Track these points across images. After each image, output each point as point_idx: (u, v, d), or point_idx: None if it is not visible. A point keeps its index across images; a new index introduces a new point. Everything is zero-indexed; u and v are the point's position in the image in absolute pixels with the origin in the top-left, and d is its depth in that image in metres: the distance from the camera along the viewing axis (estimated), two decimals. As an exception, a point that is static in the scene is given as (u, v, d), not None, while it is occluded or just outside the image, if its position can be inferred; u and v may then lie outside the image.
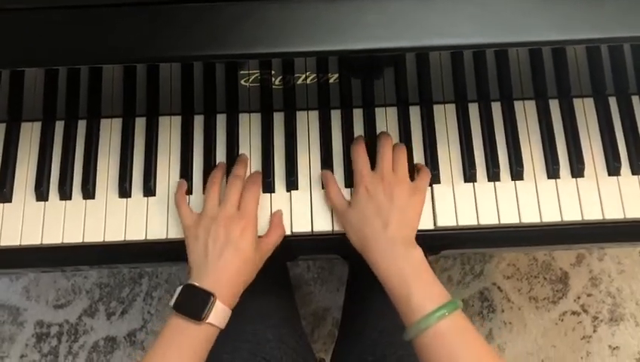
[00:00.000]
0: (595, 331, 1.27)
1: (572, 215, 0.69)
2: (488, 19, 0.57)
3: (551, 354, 1.26)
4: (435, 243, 0.70)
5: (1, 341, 1.29)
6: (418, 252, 0.63)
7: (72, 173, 0.72)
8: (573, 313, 1.28)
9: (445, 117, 0.74)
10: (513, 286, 1.30)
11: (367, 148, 0.70)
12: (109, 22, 0.57)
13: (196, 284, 0.62)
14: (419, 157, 0.72)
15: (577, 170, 0.71)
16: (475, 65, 0.71)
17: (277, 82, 0.71)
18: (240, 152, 0.73)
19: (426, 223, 0.69)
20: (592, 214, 0.69)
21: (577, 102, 0.74)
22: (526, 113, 0.74)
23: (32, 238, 0.70)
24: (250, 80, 0.70)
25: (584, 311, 1.28)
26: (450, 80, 0.72)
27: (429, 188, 0.70)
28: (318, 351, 1.26)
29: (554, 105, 0.74)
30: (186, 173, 0.72)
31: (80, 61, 0.61)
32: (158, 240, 0.70)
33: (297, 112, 0.74)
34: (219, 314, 0.61)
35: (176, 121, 0.74)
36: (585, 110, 0.74)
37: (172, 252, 0.70)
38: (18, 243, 0.70)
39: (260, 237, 0.67)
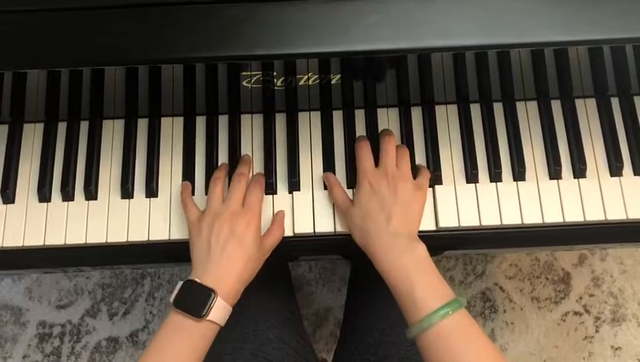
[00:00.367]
0: (597, 331, 1.27)
1: (574, 216, 0.69)
2: (490, 21, 0.57)
3: (553, 354, 1.26)
4: (438, 243, 0.70)
5: (4, 341, 1.29)
6: (422, 247, 0.62)
7: (75, 174, 0.72)
8: (576, 313, 1.28)
9: (447, 118, 0.74)
10: (515, 286, 1.30)
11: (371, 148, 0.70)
12: (112, 23, 0.57)
13: (197, 280, 0.61)
14: (421, 158, 0.72)
15: (579, 171, 0.71)
16: (476, 66, 0.71)
17: (279, 83, 0.71)
18: (242, 153, 0.73)
19: (428, 224, 0.69)
20: (594, 215, 0.69)
21: (579, 103, 0.74)
22: (528, 114, 0.74)
23: (34, 239, 0.70)
24: (253, 81, 0.70)
25: (586, 311, 1.28)
26: (452, 81, 0.72)
27: (431, 189, 0.70)
28: (320, 351, 1.27)
29: (556, 106, 0.74)
30: (188, 174, 0.72)
31: (82, 63, 0.61)
32: (161, 241, 0.70)
33: (299, 113, 0.74)
34: (220, 311, 0.61)
35: (179, 122, 0.74)
36: (587, 111, 0.74)
37: (174, 253, 0.71)
38: (21, 244, 0.70)
39: (261, 237, 0.67)
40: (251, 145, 0.73)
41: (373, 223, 0.63)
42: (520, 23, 0.57)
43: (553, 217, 0.69)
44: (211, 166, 0.72)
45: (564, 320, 1.28)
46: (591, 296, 1.29)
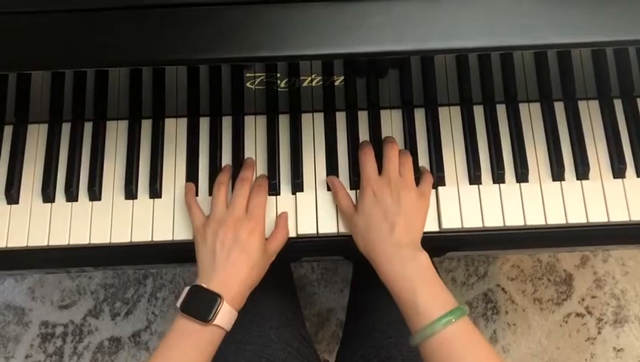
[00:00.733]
0: (599, 333, 1.27)
1: (577, 217, 0.69)
2: (493, 23, 0.57)
3: (555, 355, 1.26)
4: (440, 245, 0.70)
5: (7, 341, 1.30)
6: (424, 256, 0.62)
7: (79, 174, 0.73)
8: (578, 315, 1.28)
9: (450, 119, 0.74)
10: (517, 287, 1.30)
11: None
12: (115, 25, 0.57)
13: (203, 286, 0.62)
14: (424, 159, 0.72)
15: (582, 173, 0.71)
16: (479, 67, 0.71)
17: (282, 85, 0.71)
18: (245, 154, 0.73)
19: (431, 225, 0.69)
20: (597, 216, 0.69)
21: (582, 105, 0.74)
22: (531, 115, 0.74)
23: (38, 240, 0.70)
24: (256, 82, 0.70)
25: (588, 312, 1.28)
26: (455, 82, 0.72)
27: (434, 190, 0.70)
28: (322, 352, 1.27)
29: (559, 108, 0.74)
30: (191, 175, 0.72)
31: (86, 64, 0.61)
32: (164, 241, 0.70)
33: (303, 115, 0.74)
34: (225, 316, 0.61)
35: (182, 123, 0.75)
36: (590, 112, 0.74)
37: (178, 253, 0.71)
38: (25, 245, 0.70)
39: (265, 241, 0.67)
40: (255, 146, 0.74)
41: (376, 232, 0.64)
42: (523, 25, 0.57)
43: (556, 219, 0.69)
44: (215, 167, 0.72)
45: (567, 322, 1.28)
46: (593, 297, 1.29)
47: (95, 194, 0.71)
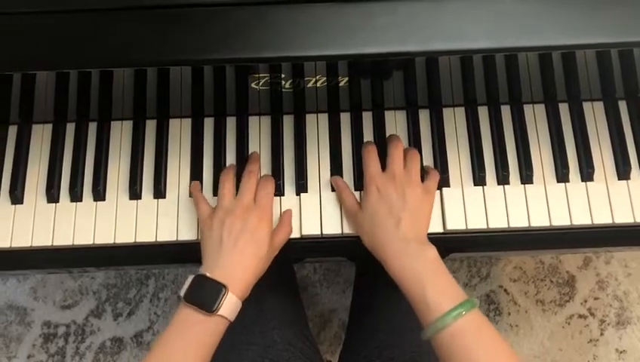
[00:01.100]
0: (602, 334, 1.27)
1: (582, 219, 0.69)
2: (498, 24, 0.57)
3: (557, 357, 1.26)
4: (445, 246, 0.70)
5: (9, 341, 1.30)
6: (432, 250, 0.62)
7: (83, 175, 0.73)
8: (580, 316, 1.28)
9: (455, 120, 0.74)
10: (520, 289, 1.30)
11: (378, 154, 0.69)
12: (120, 25, 0.57)
13: (208, 275, 0.61)
14: (428, 160, 0.72)
15: (587, 174, 0.71)
16: (484, 68, 0.71)
17: (287, 85, 0.71)
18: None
19: (435, 226, 0.69)
20: (602, 218, 0.69)
21: (587, 106, 0.74)
22: (535, 117, 0.74)
23: (42, 240, 0.70)
24: (261, 83, 0.70)
25: (591, 314, 1.28)
26: (460, 83, 0.72)
27: (439, 191, 0.70)
28: (324, 352, 1.26)
29: (563, 109, 0.74)
30: (196, 175, 0.72)
31: (90, 65, 0.62)
32: (169, 242, 0.70)
33: (307, 115, 0.74)
34: (230, 306, 0.61)
35: (187, 123, 0.75)
36: (594, 114, 0.74)
37: (182, 254, 0.71)
38: (29, 245, 0.70)
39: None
40: (259, 147, 0.74)
41: (382, 228, 0.63)
42: (528, 26, 0.57)
43: (560, 220, 0.69)
44: (219, 167, 0.72)
45: (569, 323, 1.28)
46: (596, 298, 1.29)
47: (99, 194, 0.72)
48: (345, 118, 0.74)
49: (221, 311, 0.60)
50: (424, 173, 0.71)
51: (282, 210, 0.71)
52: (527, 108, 0.74)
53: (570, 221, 0.69)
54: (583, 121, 0.73)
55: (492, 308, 1.29)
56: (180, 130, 0.74)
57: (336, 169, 0.72)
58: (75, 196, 0.72)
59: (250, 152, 0.73)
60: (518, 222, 0.69)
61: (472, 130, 0.73)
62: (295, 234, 0.70)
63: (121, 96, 0.72)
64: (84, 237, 0.70)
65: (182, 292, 0.61)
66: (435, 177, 0.70)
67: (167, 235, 0.70)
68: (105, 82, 0.71)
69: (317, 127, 0.74)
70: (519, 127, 0.73)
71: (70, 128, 0.75)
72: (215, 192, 0.71)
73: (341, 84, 0.71)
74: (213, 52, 0.57)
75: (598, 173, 0.71)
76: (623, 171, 0.71)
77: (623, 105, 0.74)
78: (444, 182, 0.71)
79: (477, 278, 1.31)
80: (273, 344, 0.75)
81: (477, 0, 0.57)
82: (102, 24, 0.57)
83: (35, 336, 1.30)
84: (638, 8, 0.56)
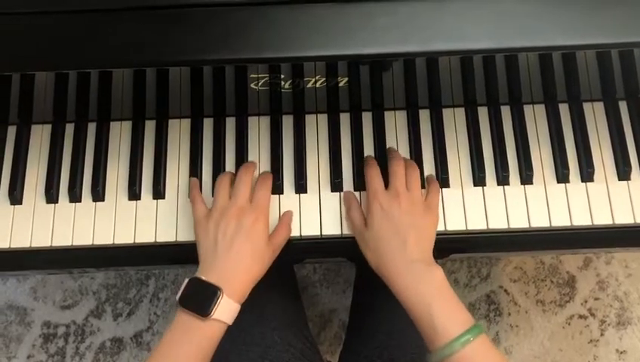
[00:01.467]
0: (602, 335, 1.27)
1: (582, 219, 0.69)
2: (498, 24, 0.56)
3: (558, 357, 1.26)
4: (445, 247, 0.70)
5: (9, 341, 1.30)
6: (438, 271, 0.61)
7: (82, 175, 0.73)
8: (581, 316, 1.28)
9: (455, 120, 0.74)
10: (520, 289, 1.30)
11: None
12: (119, 26, 0.57)
13: (202, 278, 0.60)
14: (428, 161, 0.72)
15: (587, 175, 0.70)
16: (484, 69, 0.71)
17: (286, 86, 0.71)
18: (249, 155, 0.73)
19: (435, 227, 0.69)
20: (602, 219, 0.69)
21: (587, 106, 0.74)
22: (535, 117, 0.74)
23: (42, 240, 0.70)
24: (260, 83, 0.70)
25: (591, 314, 1.28)
26: (460, 84, 0.72)
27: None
28: (324, 353, 1.26)
29: (564, 109, 0.74)
30: (195, 175, 0.72)
31: (90, 65, 0.61)
32: (168, 242, 0.70)
33: (306, 116, 0.74)
34: (226, 310, 0.60)
35: (186, 123, 0.74)
36: (595, 114, 0.74)
37: (181, 254, 0.71)
38: (28, 246, 0.70)
39: (269, 236, 0.66)
40: (258, 147, 0.73)
41: (387, 248, 0.62)
42: (528, 26, 0.56)
43: (560, 221, 0.69)
44: (218, 168, 0.72)
45: (569, 324, 1.28)
46: (596, 299, 1.28)
47: (98, 194, 0.71)
48: (344, 119, 0.74)
49: (216, 315, 0.59)
50: (424, 183, 0.70)
51: (282, 211, 0.70)
52: (527, 109, 0.74)
53: (571, 222, 0.69)
54: (583, 122, 0.73)
55: (492, 308, 1.29)
56: (179, 131, 0.74)
57: (335, 169, 0.72)
58: (75, 197, 0.71)
59: (249, 154, 0.73)
60: (518, 222, 0.69)
61: (472, 130, 0.73)
62: (295, 235, 0.70)
63: (120, 96, 0.72)
64: (83, 238, 0.70)
65: (177, 296, 0.60)
66: (436, 193, 0.69)
67: (166, 236, 0.70)
68: (104, 82, 0.71)
69: (316, 127, 0.74)
70: (519, 128, 0.73)
71: (69, 128, 0.74)
72: (214, 189, 0.70)
73: (341, 84, 0.71)
74: (213, 52, 0.57)
75: (598, 173, 0.71)
76: (623, 172, 0.70)
77: (623, 106, 0.74)
78: (444, 183, 0.71)
79: (477, 278, 1.30)
80: (273, 344, 0.75)
81: (477, 0, 0.56)
82: (101, 24, 0.57)
83: (34, 336, 1.30)
84: (639, 8, 0.56)
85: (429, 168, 0.72)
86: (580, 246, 0.72)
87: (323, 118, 0.74)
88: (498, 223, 0.69)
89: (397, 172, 0.67)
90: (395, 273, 0.62)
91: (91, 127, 0.74)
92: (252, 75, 0.69)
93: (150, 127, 0.74)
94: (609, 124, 0.73)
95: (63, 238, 0.70)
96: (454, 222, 0.69)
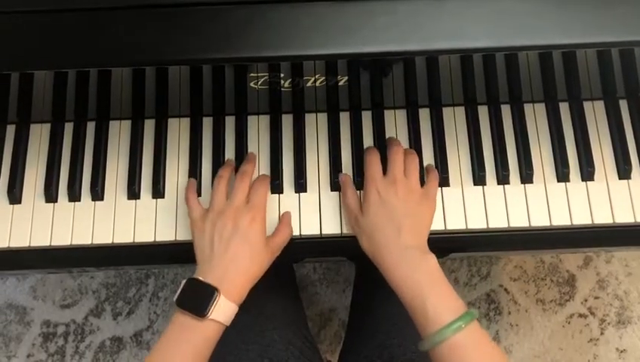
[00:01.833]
0: (602, 334, 1.27)
1: (582, 218, 0.69)
2: (498, 23, 0.56)
3: (558, 356, 1.26)
4: (445, 246, 0.70)
5: (8, 340, 1.30)
6: (432, 259, 0.62)
7: (81, 174, 0.72)
8: (581, 315, 1.28)
9: (455, 119, 0.74)
10: (520, 288, 1.30)
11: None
12: (119, 25, 0.57)
13: (200, 278, 0.60)
14: (428, 159, 0.72)
15: (587, 174, 0.70)
16: (484, 68, 0.71)
17: (286, 85, 0.71)
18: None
19: (435, 226, 0.69)
20: (603, 218, 0.69)
21: (587, 105, 0.74)
22: (536, 116, 0.74)
23: (41, 240, 0.70)
24: (260, 82, 0.70)
25: (591, 313, 1.28)
26: (460, 82, 0.72)
27: (439, 191, 0.70)
28: (324, 352, 1.26)
29: (564, 108, 0.74)
30: (194, 175, 0.72)
31: (89, 64, 0.61)
32: (167, 241, 0.70)
33: (306, 115, 0.74)
34: (224, 310, 0.60)
35: (185, 123, 0.74)
36: (595, 113, 0.74)
37: (181, 253, 0.70)
38: (27, 245, 0.70)
39: (268, 237, 0.67)
40: (258, 146, 0.73)
41: (382, 234, 0.63)
42: (529, 25, 0.56)
43: (561, 220, 0.69)
44: (218, 167, 0.72)
45: (569, 323, 1.28)
46: (596, 298, 1.28)
47: (98, 194, 0.71)
48: (344, 118, 0.74)
49: (213, 316, 0.59)
50: (424, 172, 0.70)
51: (281, 209, 0.70)
52: (528, 108, 0.74)
53: (571, 221, 0.69)
54: (583, 120, 0.73)
55: (492, 307, 1.29)
56: (178, 130, 0.74)
57: (335, 168, 0.72)
58: (74, 196, 0.71)
59: (249, 152, 0.73)
60: (518, 221, 0.69)
61: (472, 129, 0.73)
62: (294, 234, 0.70)
63: (119, 95, 0.72)
64: (82, 237, 0.70)
65: (175, 297, 0.60)
66: (435, 181, 0.69)
67: (166, 235, 0.70)
68: (103, 81, 0.71)
69: (316, 126, 0.74)
70: (519, 127, 0.72)
71: (68, 128, 0.74)
72: (212, 187, 0.70)
73: (340, 83, 0.71)
74: (212, 51, 0.57)
75: (598, 172, 0.71)
76: (624, 170, 0.70)
77: (623, 105, 0.74)
78: (444, 182, 0.71)
79: (477, 277, 1.30)
80: (273, 343, 0.75)
81: (477, -1, 0.56)
82: (100, 23, 0.57)
83: (34, 335, 1.30)
84: (639, 7, 0.56)
85: (431, 164, 0.72)
86: (580, 245, 0.72)
87: (323, 117, 0.74)
88: (498, 222, 0.69)
89: (395, 159, 0.67)
90: (388, 259, 0.62)
91: (90, 126, 0.74)
92: (252, 74, 0.69)
93: (149, 125, 0.74)
94: (609, 123, 0.73)
95: (63, 237, 0.70)
96: (454, 221, 0.69)
